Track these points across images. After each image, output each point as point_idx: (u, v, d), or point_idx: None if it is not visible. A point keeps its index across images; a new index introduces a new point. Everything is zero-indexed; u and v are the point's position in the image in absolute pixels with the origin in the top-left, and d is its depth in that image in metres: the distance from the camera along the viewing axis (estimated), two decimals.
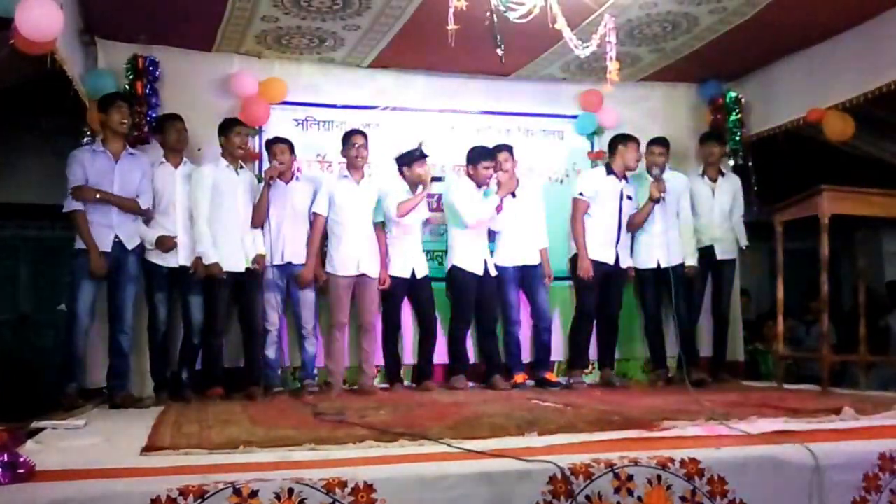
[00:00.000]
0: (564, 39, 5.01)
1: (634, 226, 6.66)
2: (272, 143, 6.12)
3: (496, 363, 6.46)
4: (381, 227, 6.30)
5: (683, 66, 6.91)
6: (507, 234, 6.55)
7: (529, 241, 6.58)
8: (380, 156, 6.53)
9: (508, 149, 6.56)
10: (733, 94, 7.28)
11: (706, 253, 6.78)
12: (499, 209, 6.39)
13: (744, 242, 6.89)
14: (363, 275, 6.10)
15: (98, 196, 5.41)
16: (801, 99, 6.65)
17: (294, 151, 6.21)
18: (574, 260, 6.58)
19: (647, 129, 6.92)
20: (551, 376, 6.52)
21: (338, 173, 6.34)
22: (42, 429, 3.97)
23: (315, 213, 6.11)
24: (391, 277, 6.26)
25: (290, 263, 6.07)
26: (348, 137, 6.17)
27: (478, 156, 6.43)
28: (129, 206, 5.57)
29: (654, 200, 6.49)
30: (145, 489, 2.54)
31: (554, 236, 6.73)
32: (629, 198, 6.64)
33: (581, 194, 6.56)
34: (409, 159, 6.32)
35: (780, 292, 6.09)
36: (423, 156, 6.32)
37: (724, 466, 3.03)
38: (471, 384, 6.34)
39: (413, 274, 6.32)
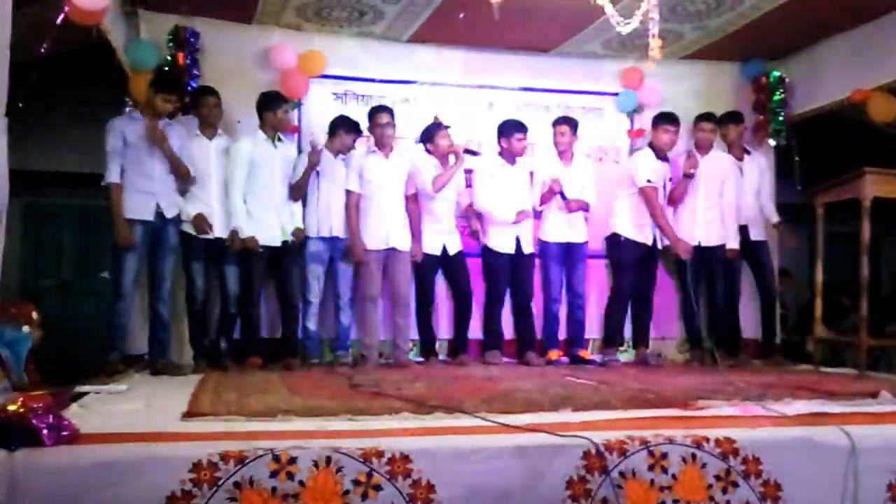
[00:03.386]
0: (606, 15, 4.97)
1: (674, 202, 6.60)
2: (339, 126, 6.10)
3: (530, 339, 6.48)
4: (413, 200, 6.30)
5: (727, 44, 6.80)
6: (555, 210, 6.51)
7: (577, 218, 6.55)
8: (416, 131, 6.50)
9: (568, 121, 6.53)
10: (777, 74, 7.17)
11: (741, 233, 6.70)
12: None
13: (774, 219, 6.77)
14: (393, 248, 6.11)
15: (166, 145, 5.44)
16: (845, 79, 6.53)
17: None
18: (611, 239, 6.56)
19: (689, 107, 6.83)
20: (585, 354, 6.52)
21: (366, 148, 6.30)
22: (85, 393, 4.05)
23: (348, 191, 6.07)
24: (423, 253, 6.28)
25: (335, 237, 6.07)
26: (373, 115, 6.15)
27: (511, 128, 6.40)
28: (184, 170, 5.62)
29: (688, 176, 6.44)
30: (187, 453, 2.60)
31: (591, 215, 6.67)
32: (670, 179, 6.60)
33: (648, 181, 6.41)
34: (429, 134, 6.31)
35: (820, 275, 6.05)
36: (443, 126, 6.30)
37: (759, 446, 3.03)
38: (505, 360, 6.37)
39: (444, 250, 6.32)
